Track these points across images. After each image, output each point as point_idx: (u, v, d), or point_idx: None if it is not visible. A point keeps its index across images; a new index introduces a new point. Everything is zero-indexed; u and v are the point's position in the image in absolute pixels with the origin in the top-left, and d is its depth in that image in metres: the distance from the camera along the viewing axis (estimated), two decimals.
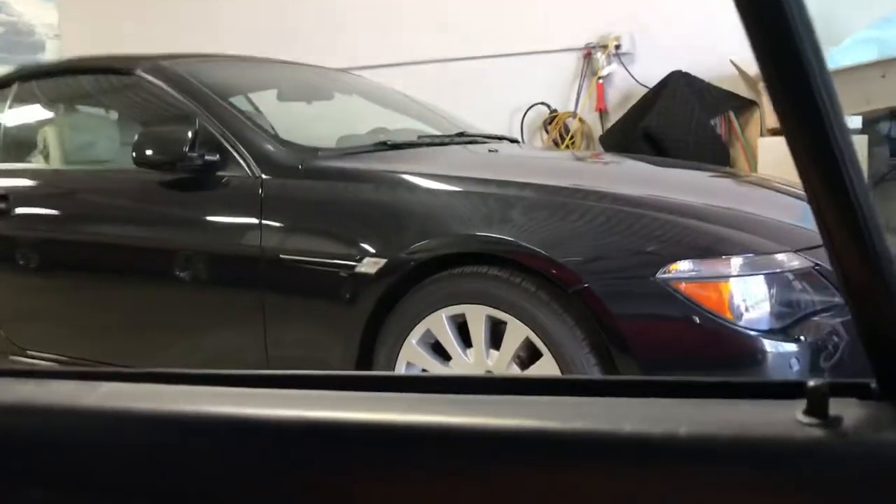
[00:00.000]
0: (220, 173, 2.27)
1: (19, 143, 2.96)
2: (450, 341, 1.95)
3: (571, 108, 4.90)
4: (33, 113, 3.03)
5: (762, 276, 1.72)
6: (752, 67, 4.10)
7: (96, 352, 2.55)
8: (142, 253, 2.42)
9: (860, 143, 3.40)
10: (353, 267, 1.99)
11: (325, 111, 3.17)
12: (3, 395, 0.59)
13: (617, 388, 0.57)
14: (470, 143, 2.87)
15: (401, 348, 1.99)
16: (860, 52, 3.69)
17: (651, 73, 4.59)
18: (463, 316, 1.93)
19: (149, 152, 2.23)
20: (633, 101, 4.66)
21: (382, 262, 1.97)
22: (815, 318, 1.73)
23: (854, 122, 3.46)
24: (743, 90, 4.38)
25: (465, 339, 1.95)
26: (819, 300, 1.75)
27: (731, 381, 0.55)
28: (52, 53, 6.15)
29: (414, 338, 1.98)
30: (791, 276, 1.74)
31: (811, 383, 0.50)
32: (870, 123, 3.50)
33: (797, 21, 0.42)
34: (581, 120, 4.87)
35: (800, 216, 2.00)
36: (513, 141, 3.25)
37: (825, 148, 0.43)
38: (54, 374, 0.62)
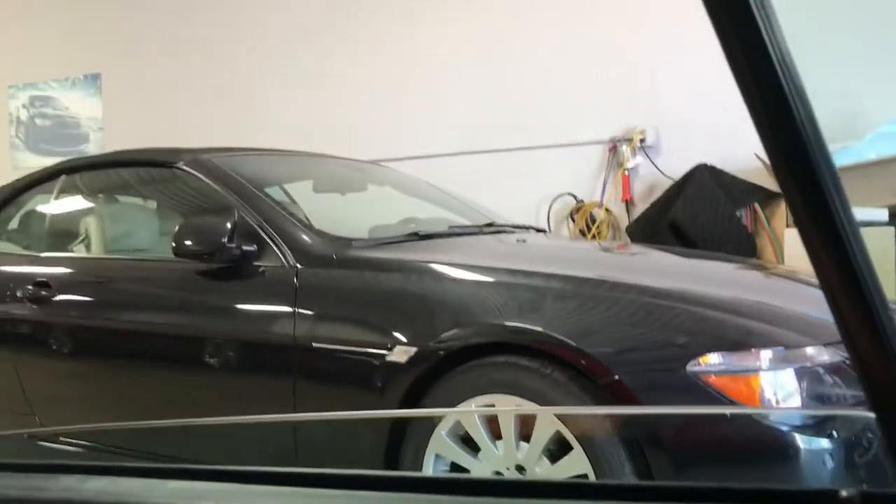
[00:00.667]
0: (256, 263, 2.33)
1: (63, 233, 3.06)
2: (479, 433, 1.95)
3: (597, 199, 4.97)
4: (77, 203, 3.15)
5: (792, 370, 1.72)
6: None
7: (128, 440, 2.57)
8: (177, 341, 2.46)
9: (886, 235, 3.41)
10: (385, 355, 2.02)
11: (359, 202, 3.26)
12: (74, 491, 0.62)
13: (651, 494, 0.57)
14: (498, 232, 2.93)
15: (430, 439, 1.99)
16: (883, 145, 3.74)
17: (676, 165, 4.67)
18: (493, 407, 1.93)
19: (188, 243, 2.31)
20: (659, 193, 4.72)
21: (413, 350, 1.99)
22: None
23: (880, 214, 3.48)
24: (768, 182, 4.43)
25: (496, 431, 1.95)
26: (851, 395, 1.74)
27: (764, 488, 0.55)
28: (94, 145, 6.39)
29: (443, 429, 1.98)
30: (821, 371, 1.74)
31: (843, 493, 0.50)
32: None
33: (805, 124, 0.44)
34: (607, 210, 4.94)
35: (827, 309, 2.00)
36: (540, 231, 3.31)
37: (837, 245, 0.44)
38: (122, 471, 0.65)
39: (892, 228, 3.45)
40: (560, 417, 1.81)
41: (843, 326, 0.46)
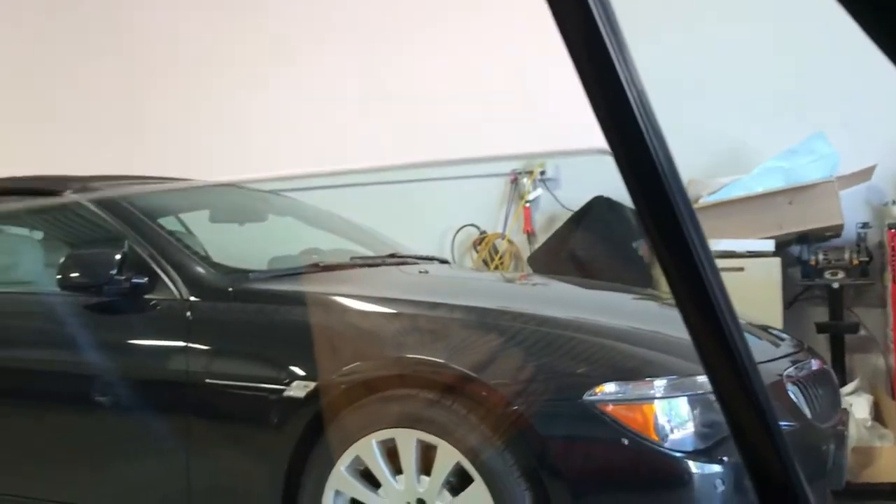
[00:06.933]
0: (147, 296, 2.24)
1: None
2: (379, 468, 1.92)
3: (500, 230, 5.03)
4: None
5: (685, 398, 1.76)
6: None
7: (9, 485, 2.40)
8: (64, 379, 2.34)
9: (773, 266, 3.57)
10: (282, 391, 1.97)
11: (259, 232, 3.19)
12: None
13: None
14: (401, 264, 2.91)
15: (329, 476, 1.95)
16: (768, 179, 3.93)
17: (575, 197, 4.78)
18: (393, 441, 1.91)
19: (74, 275, 2.20)
20: (559, 224, 4.82)
21: (312, 385, 1.95)
22: None
23: (767, 245, 3.64)
24: None
25: (396, 466, 1.92)
26: None
27: None
28: None
29: (342, 465, 1.93)
30: (713, 397, 1.79)
31: None
32: (781, 247, 3.69)
33: (662, 160, 0.46)
34: (510, 241, 5.00)
35: None
36: (443, 262, 3.31)
37: (693, 275, 0.45)
38: None
39: (778, 259, 3.61)
40: (460, 448, 1.80)
41: (701, 353, 0.47)
